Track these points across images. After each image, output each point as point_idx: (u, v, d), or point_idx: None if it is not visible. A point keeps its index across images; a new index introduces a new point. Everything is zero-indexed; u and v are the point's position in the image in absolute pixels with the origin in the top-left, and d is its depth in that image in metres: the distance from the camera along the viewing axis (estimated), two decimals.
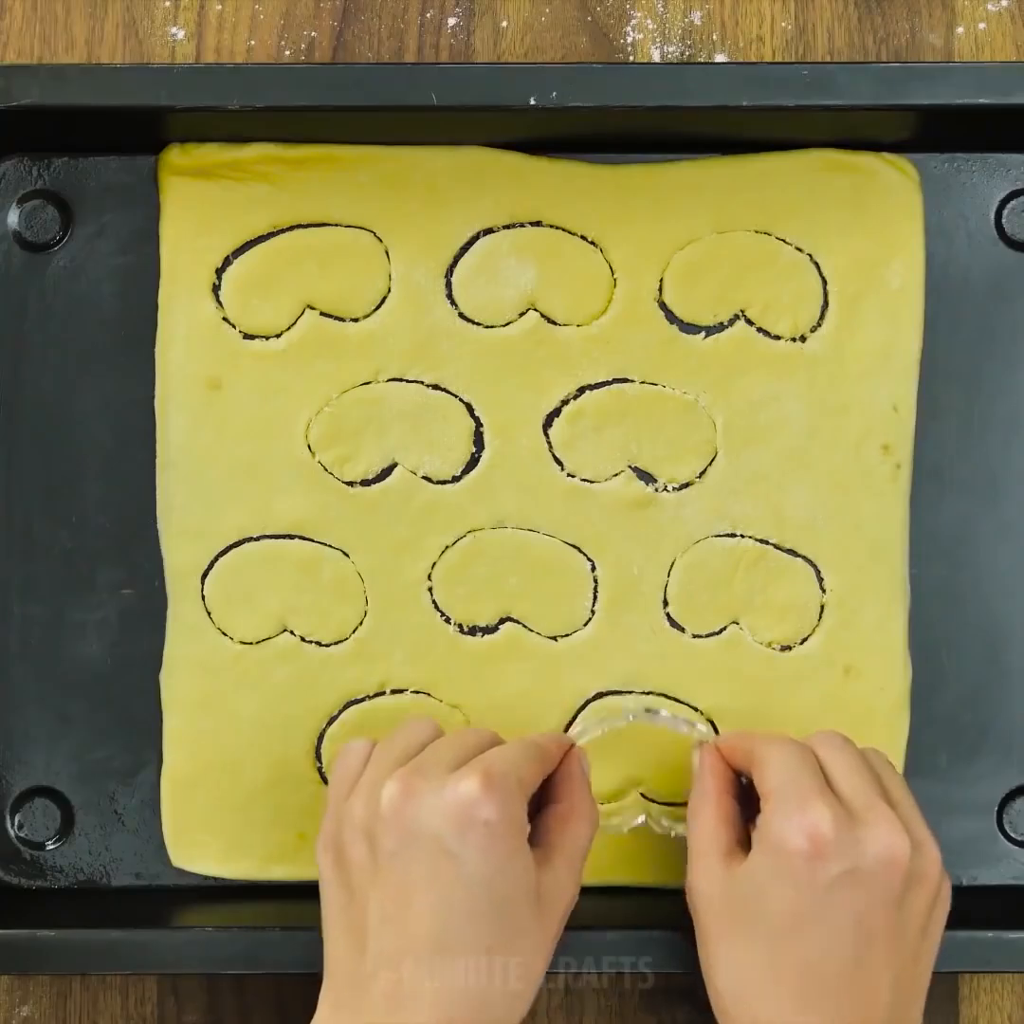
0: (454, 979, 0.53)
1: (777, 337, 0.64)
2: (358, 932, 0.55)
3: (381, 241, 0.64)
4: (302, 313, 0.64)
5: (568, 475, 0.64)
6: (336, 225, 0.64)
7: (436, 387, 0.64)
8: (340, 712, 0.64)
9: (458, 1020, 0.53)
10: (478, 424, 0.64)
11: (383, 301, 0.64)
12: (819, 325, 0.64)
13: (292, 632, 0.64)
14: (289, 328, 0.64)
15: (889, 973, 0.54)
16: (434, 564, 0.64)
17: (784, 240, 0.64)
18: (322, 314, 0.64)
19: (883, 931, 0.54)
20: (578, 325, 0.64)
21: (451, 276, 0.64)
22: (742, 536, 0.64)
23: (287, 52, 0.66)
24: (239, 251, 0.64)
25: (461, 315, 0.64)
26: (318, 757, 0.64)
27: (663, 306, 0.64)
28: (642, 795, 0.64)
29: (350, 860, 0.56)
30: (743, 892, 0.55)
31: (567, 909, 0.57)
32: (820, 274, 0.64)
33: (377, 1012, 0.53)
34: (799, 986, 0.54)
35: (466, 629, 0.64)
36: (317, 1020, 0.55)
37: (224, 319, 0.64)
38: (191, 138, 0.63)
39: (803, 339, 0.64)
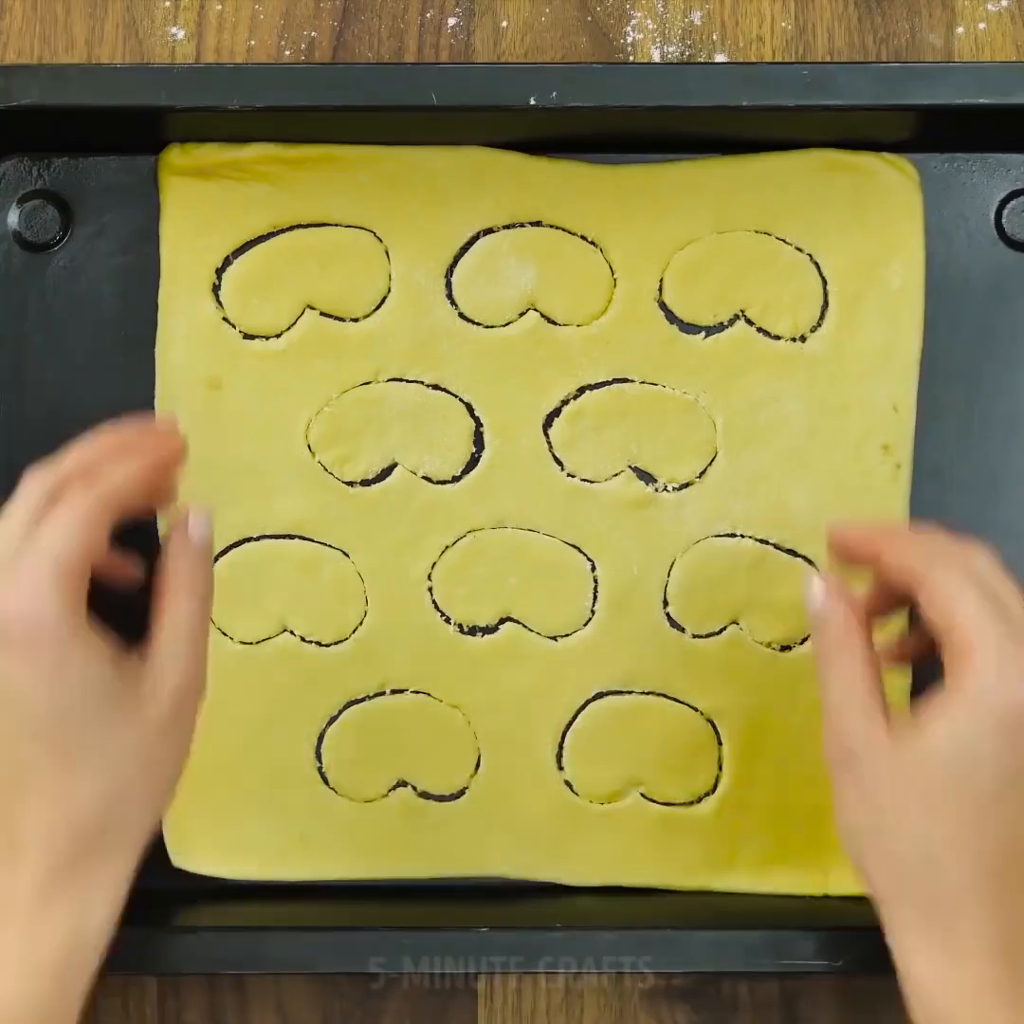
0: (30, 808, 0.50)
1: (777, 337, 0.64)
2: None
3: (381, 241, 0.64)
4: (302, 313, 0.64)
5: (568, 475, 0.64)
6: (336, 225, 0.64)
7: (436, 387, 0.64)
8: (340, 712, 0.64)
9: (59, 847, 0.50)
10: (478, 424, 0.64)
11: (383, 301, 0.64)
12: (819, 325, 0.64)
13: (292, 632, 0.64)
14: (289, 328, 0.64)
15: None
16: (434, 564, 0.64)
17: (784, 240, 0.64)
18: (322, 314, 0.64)
19: None
20: (578, 325, 0.64)
21: (451, 276, 0.64)
22: (742, 536, 0.64)
23: (287, 52, 0.66)
24: (239, 251, 0.64)
25: (461, 315, 0.64)
26: (318, 757, 0.64)
27: (663, 306, 0.64)
28: (642, 795, 0.64)
29: None
30: (943, 755, 0.49)
31: (180, 697, 0.52)
32: (820, 274, 0.64)
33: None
34: (1001, 852, 0.50)
35: (466, 629, 0.64)
36: None
37: (224, 319, 0.64)
38: (191, 138, 0.63)
39: (803, 339, 0.64)
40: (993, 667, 0.49)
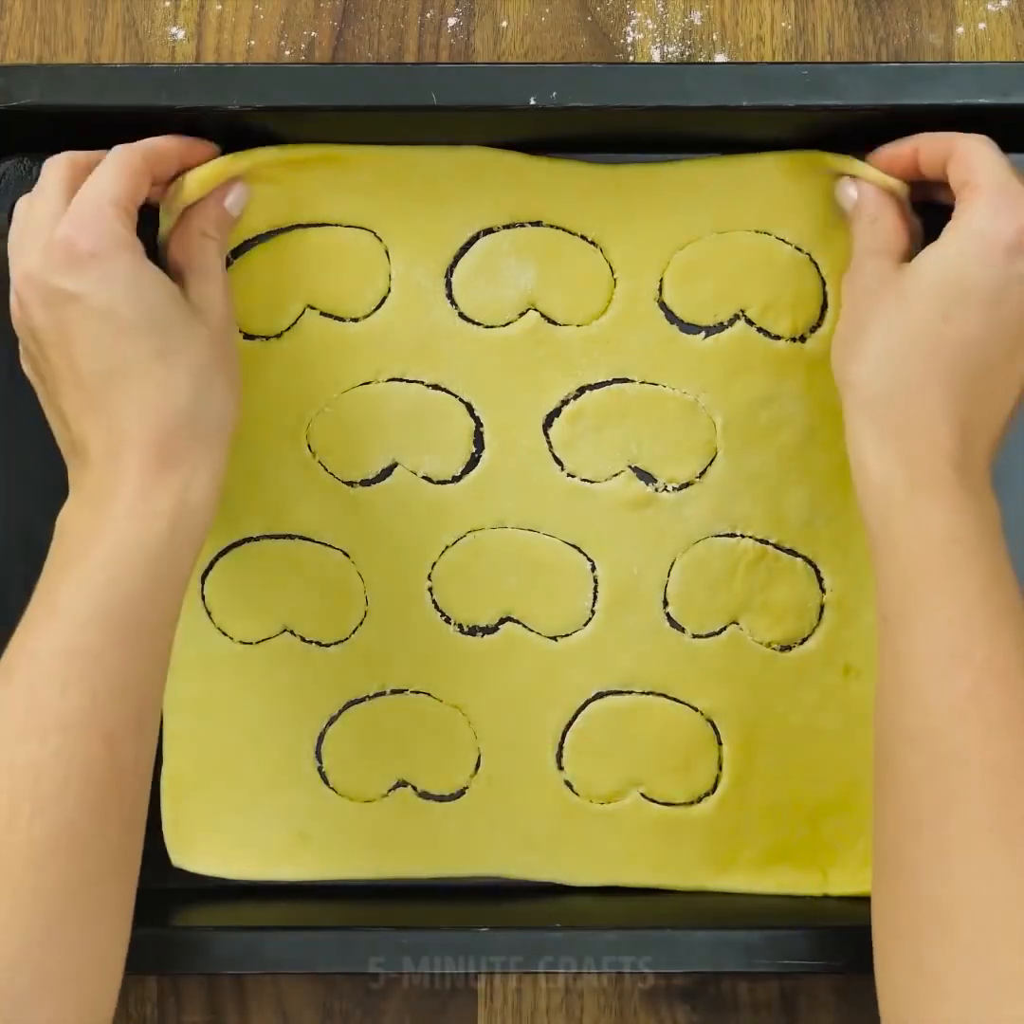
0: (132, 398, 0.55)
1: (777, 337, 0.64)
2: (61, 421, 0.58)
3: (381, 241, 0.64)
4: (302, 313, 0.64)
5: (568, 475, 0.64)
6: (336, 225, 0.64)
7: (436, 387, 0.64)
8: (340, 712, 0.64)
9: (165, 432, 0.55)
10: (478, 424, 0.64)
11: (383, 301, 0.64)
12: (819, 325, 0.64)
13: (292, 632, 0.64)
14: (289, 328, 0.64)
15: (1019, 386, 0.56)
16: (434, 564, 0.64)
17: (783, 240, 0.64)
18: (322, 314, 0.64)
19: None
20: (578, 325, 0.64)
21: (451, 276, 0.64)
22: (742, 536, 0.64)
23: (287, 52, 0.66)
24: (239, 251, 0.64)
25: (461, 315, 0.64)
26: (318, 757, 0.64)
27: (663, 306, 0.64)
28: (642, 795, 0.64)
29: (30, 354, 0.58)
30: (927, 268, 0.56)
31: (224, 316, 0.59)
32: (819, 274, 0.64)
33: (99, 470, 0.55)
34: (958, 359, 0.55)
35: (466, 629, 0.64)
36: (69, 520, 0.56)
37: None
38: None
39: (803, 339, 0.64)
40: (989, 201, 0.56)
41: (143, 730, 0.54)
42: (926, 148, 0.59)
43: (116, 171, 0.56)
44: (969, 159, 0.57)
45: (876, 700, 0.54)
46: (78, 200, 0.55)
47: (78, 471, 0.57)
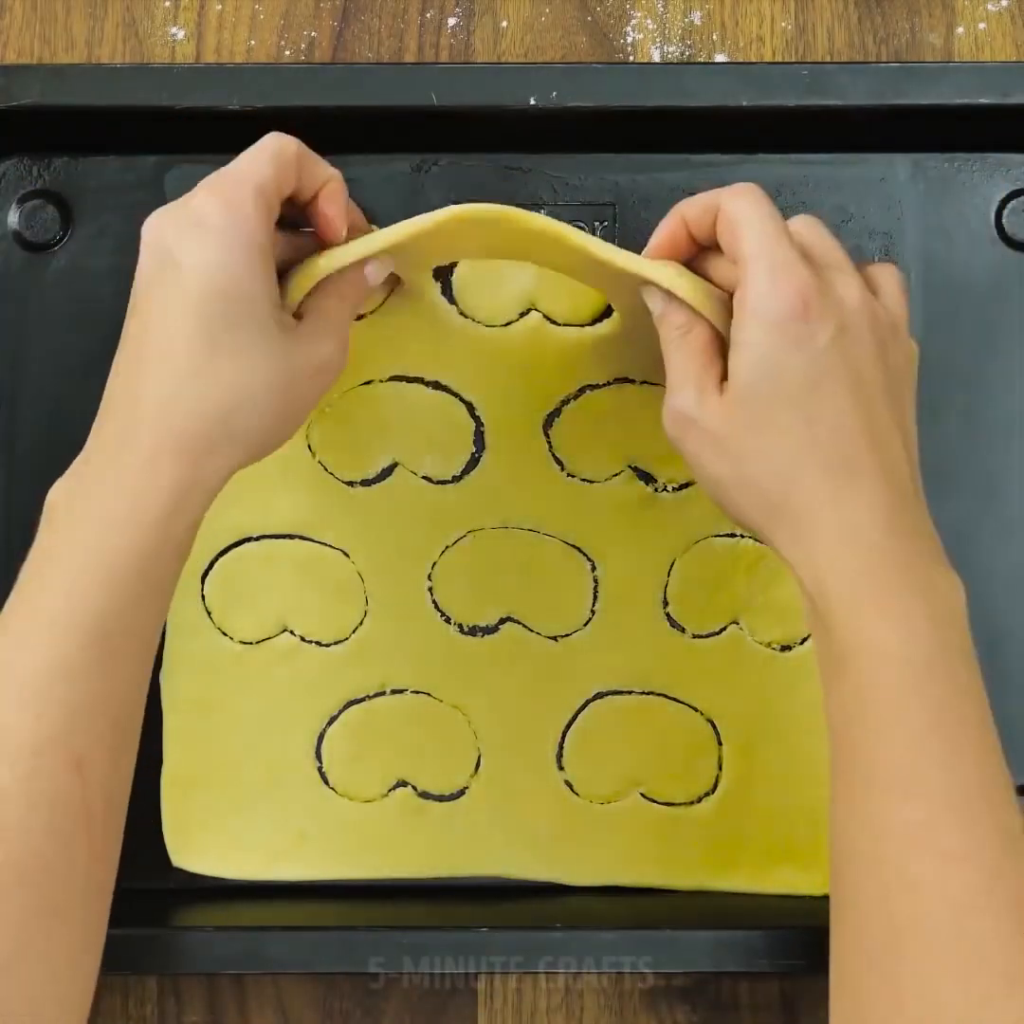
0: (166, 383, 0.52)
1: None
2: (134, 370, 0.54)
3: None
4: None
5: (568, 475, 0.64)
6: None
7: (437, 386, 0.64)
8: (340, 712, 0.64)
9: (175, 427, 0.52)
10: (478, 424, 0.64)
11: (383, 301, 0.64)
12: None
13: (292, 632, 0.64)
14: None
15: (898, 433, 0.54)
16: (434, 564, 0.64)
17: None
18: None
19: (879, 387, 0.53)
20: (578, 325, 0.64)
21: (451, 276, 0.64)
22: (742, 536, 0.64)
23: (287, 52, 0.66)
24: None
25: (461, 314, 0.64)
26: (318, 757, 0.64)
27: None
28: (642, 795, 0.64)
29: (135, 304, 0.55)
30: (753, 378, 0.52)
31: (323, 364, 0.55)
32: None
33: (106, 430, 0.53)
34: (834, 444, 0.52)
35: (466, 629, 0.64)
36: (62, 499, 0.54)
37: None
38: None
39: None
40: (761, 276, 0.52)
41: (118, 756, 0.52)
42: (691, 217, 0.55)
43: (270, 158, 0.54)
44: (733, 225, 0.53)
45: (829, 814, 0.52)
46: (225, 173, 0.53)
47: (92, 437, 0.54)
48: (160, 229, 0.53)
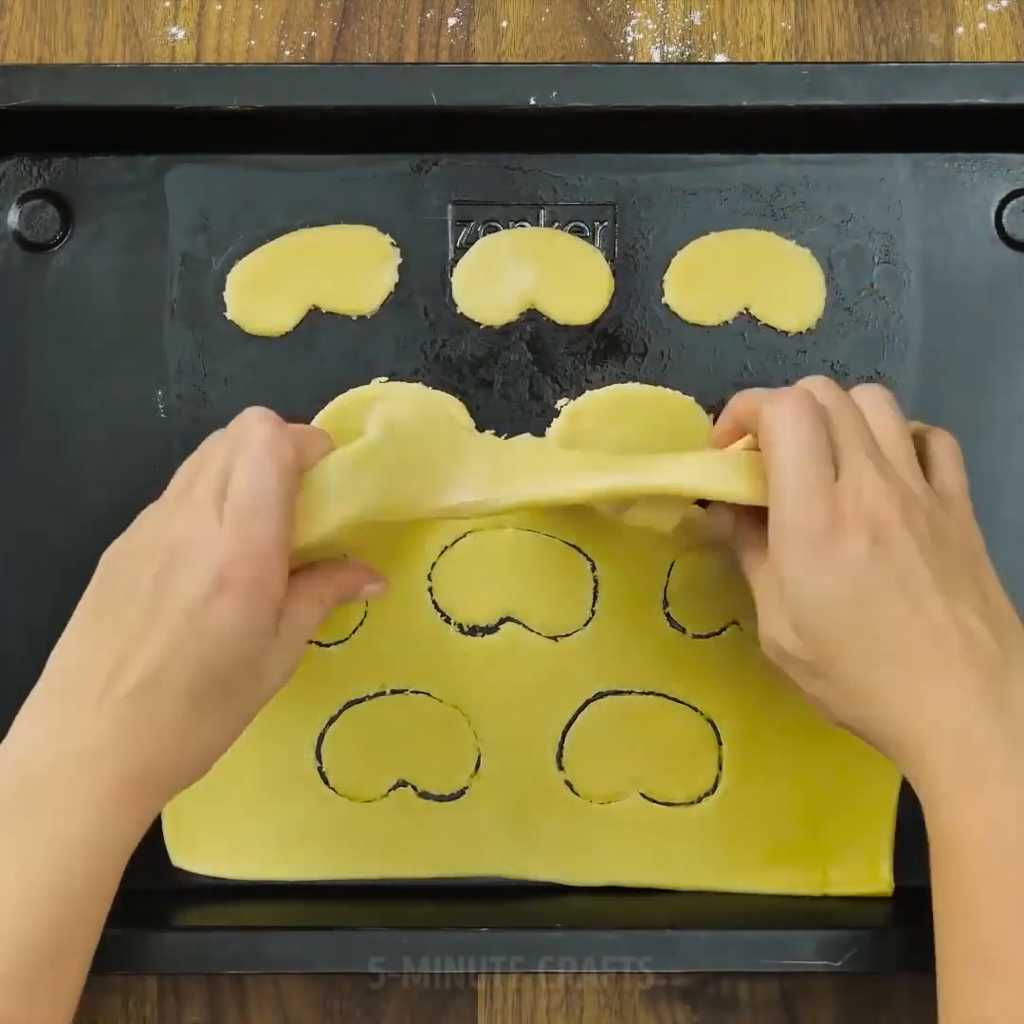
0: (149, 720, 0.52)
1: (784, 332, 0.64)
2: (89, 651, 0.55)
3: (384, 237, 0.64)
4: (306, 312, 0.64)
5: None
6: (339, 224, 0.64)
7: (437, 387, 0.64)
8: (340, 712, 0.64)
9: (144, 764, 0.52)
10: (479, 424, 0.64)
11: (384, 300, 0.64)
12: (821, 320, 0.64)
13: None
14: (294, 327, 0.64)
15: (970, 612, 0.53)
16: (434, 564, 0.64)
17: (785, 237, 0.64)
18: (325, 312, 0.64)
19: (929, 582, 0.53)
20: (579, 325, 0.64)
21: (451, 275, 0.64)
22: None
23: (287, 52, 0.66)
24: (242, 252, 0.64)
25: (461, 314, 0.64)
26: (318, 757, 0.64)
27: (665, 308, 0.64)
28: (642, 795, 0.64)
29: (120, 587, 0.55)
30: (802, 613, 0.53)
31: (275, 688, 0.56)
32: (821, 269, 0.64)
33: (66, 734, 0.53)
34: (898, 651, 0.52)
35: (466, 629, 0.64)
36: (19, 722, 0.54)
37: (228, 318, 0.64)
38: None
39: (805, 334, 0.64)
40: (790, 500, 0.53)
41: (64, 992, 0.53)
42: (741, 415, 0.57)
43: (279, 491, 0.54)
44: (767, 437, 0.54)
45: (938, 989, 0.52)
46: (248, 523, 0.53)
47: (39, 701, 0.55)
48: (181, 561, 0.53)
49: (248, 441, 0.55)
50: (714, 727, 0.64)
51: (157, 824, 0.64)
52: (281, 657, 0.55)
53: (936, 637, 0.52)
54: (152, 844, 0.64)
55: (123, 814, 0.52)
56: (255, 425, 0.55)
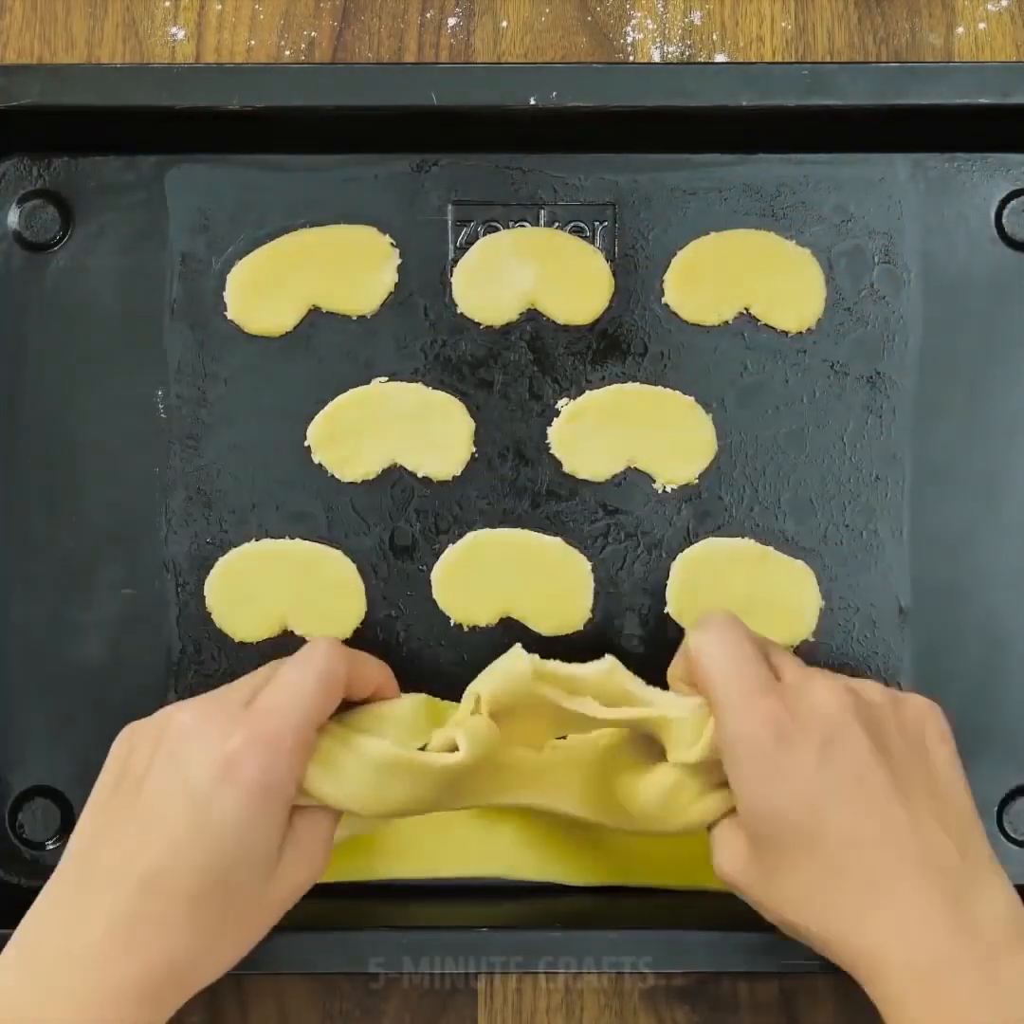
0: (152, 919, 0.51)
1: (784, 332, 0.64)
2: (104, 834, 0.53)
3: (384, 237, 0.64)
4: (306, 312, 0.64)
5: (568, 475, 0.64)
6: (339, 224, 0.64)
7: (437, 387, 0.64)
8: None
9: (146, 965, 0.51)
10: (479, 424, 0.64)
11: (384, 300, 0.64)
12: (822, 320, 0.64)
13: (292, 632, 0.64)
14: (294, 328, 0.64)
15: (926, 814, 0.51)
16: (434, 564, 0.64)
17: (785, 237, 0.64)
18: (325, 312, 0.64)
19: (884, 781, 0.51)
20: (578, 325, 0.64)
21: (451, 275, 0.64)
22: (742, 536, 0.64)
23: (287, 52, 0.66)
24: (243, 252, 0.64)
25: (461, 314, 0.64)
26: None
27: (665, 308, 0.64)
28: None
29: (132, 766, 0.54)
30: (754, 825, 0.53)
31: (297, 889, 0.55)
32: (821, 269, 0.64)
33: (71, 932, 0.52)
34: (856, 864, 0.51)
35: (466, 629, 0.64)
36: (31, 917, 0.53)
37: (228, 318, 0.64)
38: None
39: (809, 333, 0.64)
40: (725, 711, 0.52)
41: None
42: (679, 676, 0.57)
43: (316, 688, 0.54)
44: (697, 670, 0.54)
45: None
46: (265, 712, 0.53)
47: (50, 902, 0.53)
48: (187, 745, 0.53)
49: (304, 653, 0.55)
50: None
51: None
52: (297, 862, 0.54)
53: (893, 848, 0.51)
54: None
55: (123, 1019, 0.51)
56: (314, 643, 0.55)
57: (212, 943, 0.53)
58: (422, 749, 0.55)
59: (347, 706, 0.57)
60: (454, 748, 0.55)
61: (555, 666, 0.56)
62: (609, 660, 0.56)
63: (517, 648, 0.56)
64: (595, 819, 0.58)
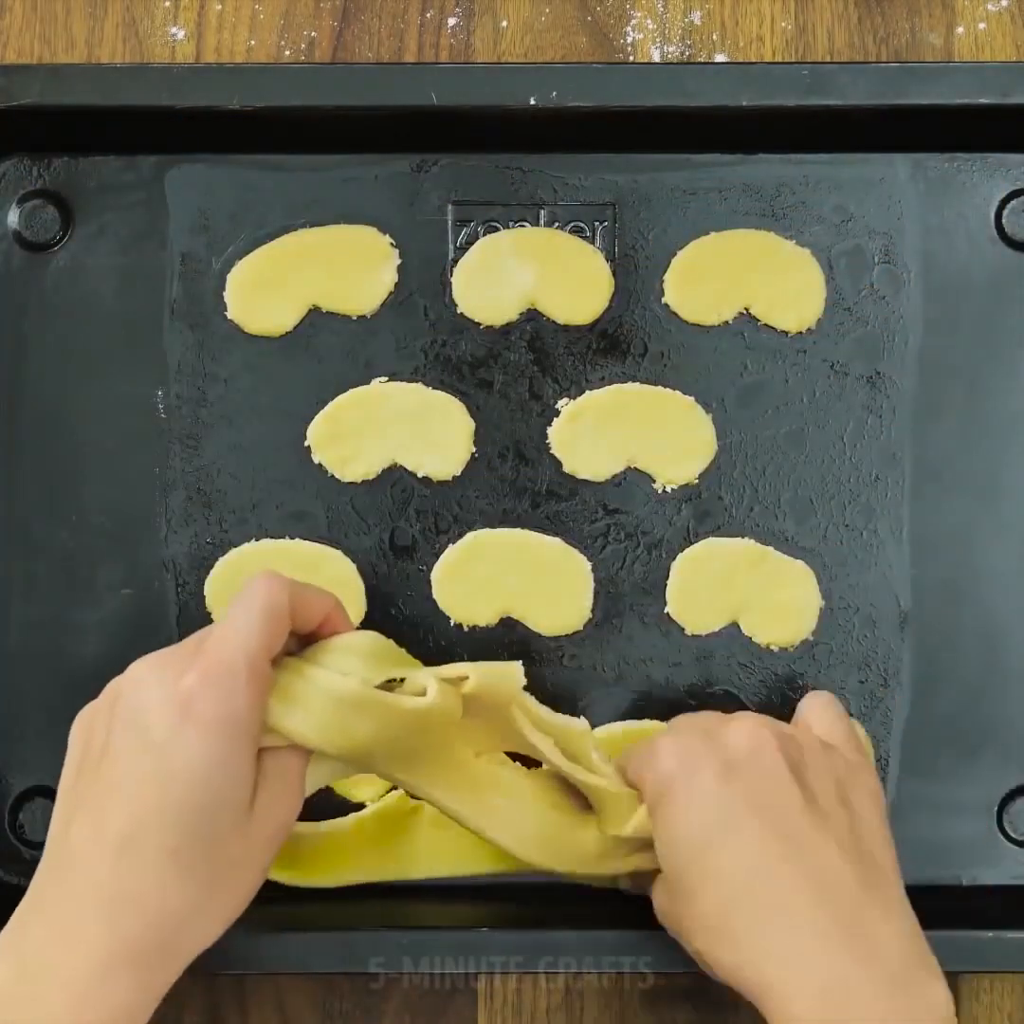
0: (131, 885, 0.50)
1: (784, 332, 0.64)
2: (71, 814, 0.52)
3: (384, 237, 0.64)
4: (306, 312, 0.64)
5: (568, 475, 0.64)
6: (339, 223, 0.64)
7: (436, 387, 0.64)
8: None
9: (131, 934, 0.50)
10: (479, 424, 0.64)
11: (384, 300, 0.64)
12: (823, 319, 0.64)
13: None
14: (293, 328, 0.64)
15: (831, 844, 0.51)
16: (434, 564, 0.64)
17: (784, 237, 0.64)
18: (325, 313, 0.64)
19: (795, 807, 0.52)
20: (578, 325, 0.64)
21: (451, 275, 0.64)
22: (742, 536, 0.64)
23: (287, 52, 0.66)
24: (242, 252, 0.64)
25: (461, 314, 0.64)
26: None
27: (665, 308, 0.64)
28: None
29: (92, 743, 0.53)
30: (664, 852, 0.54)
31: (278, 830, 0.53)
32: (821, 269, 0.64)
33: (54, 914, 0.50)
34: (760, 885, 0.51)
35: (466, 629, 0.64)
36: (19, 909, 0.52)
37: (228, 318, 0.64)
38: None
39: (809, 333, 0.64)
40: (636, 760, 0.55)
41: None
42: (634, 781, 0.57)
43: (262, 619, 0.52)
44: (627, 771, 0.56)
45: None
46: (216, 644, 0.51)
47: (33, 892, 0.52)
48: (142, 695, 0.51)
49: (242, 590, 0.53)
50: None
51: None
52: (272, 801, 0.52)
53: (790, 874, 0.51)
54: None
55: (115, 992, 0.49)
56: (254, 577, 0.54)
57: (199, 899, 0.51)
58: (382, 688, 0.54)
59: (308, 642, 0.56)
60: (421, 695, 0.54)
61: (536, 704, 0.56)
62: (583, 723, 0.57)
63: (517, 664, 0.55)
64: (524, 857, 0.58)
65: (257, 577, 0.54)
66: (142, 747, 0.50)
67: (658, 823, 0.54)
